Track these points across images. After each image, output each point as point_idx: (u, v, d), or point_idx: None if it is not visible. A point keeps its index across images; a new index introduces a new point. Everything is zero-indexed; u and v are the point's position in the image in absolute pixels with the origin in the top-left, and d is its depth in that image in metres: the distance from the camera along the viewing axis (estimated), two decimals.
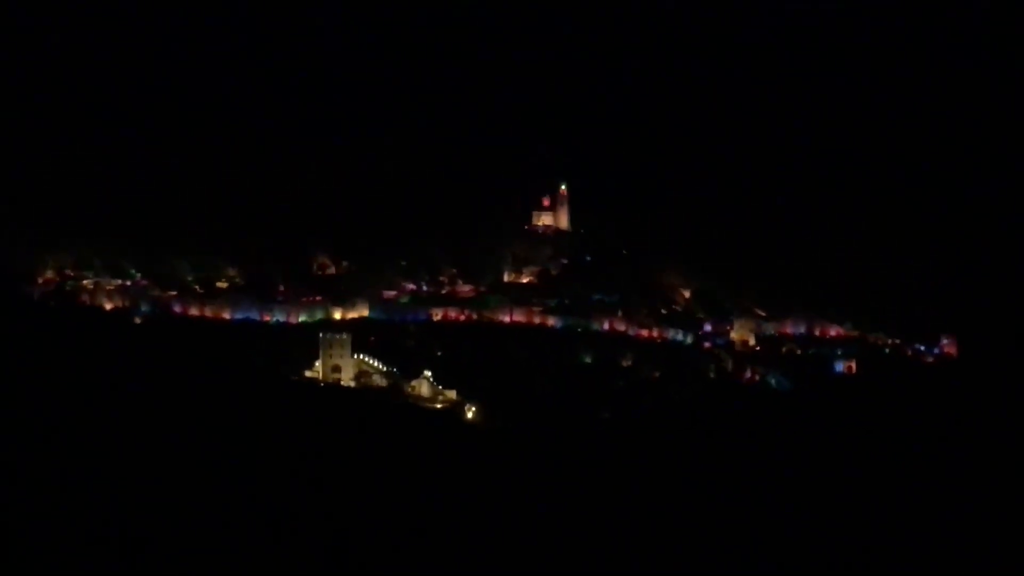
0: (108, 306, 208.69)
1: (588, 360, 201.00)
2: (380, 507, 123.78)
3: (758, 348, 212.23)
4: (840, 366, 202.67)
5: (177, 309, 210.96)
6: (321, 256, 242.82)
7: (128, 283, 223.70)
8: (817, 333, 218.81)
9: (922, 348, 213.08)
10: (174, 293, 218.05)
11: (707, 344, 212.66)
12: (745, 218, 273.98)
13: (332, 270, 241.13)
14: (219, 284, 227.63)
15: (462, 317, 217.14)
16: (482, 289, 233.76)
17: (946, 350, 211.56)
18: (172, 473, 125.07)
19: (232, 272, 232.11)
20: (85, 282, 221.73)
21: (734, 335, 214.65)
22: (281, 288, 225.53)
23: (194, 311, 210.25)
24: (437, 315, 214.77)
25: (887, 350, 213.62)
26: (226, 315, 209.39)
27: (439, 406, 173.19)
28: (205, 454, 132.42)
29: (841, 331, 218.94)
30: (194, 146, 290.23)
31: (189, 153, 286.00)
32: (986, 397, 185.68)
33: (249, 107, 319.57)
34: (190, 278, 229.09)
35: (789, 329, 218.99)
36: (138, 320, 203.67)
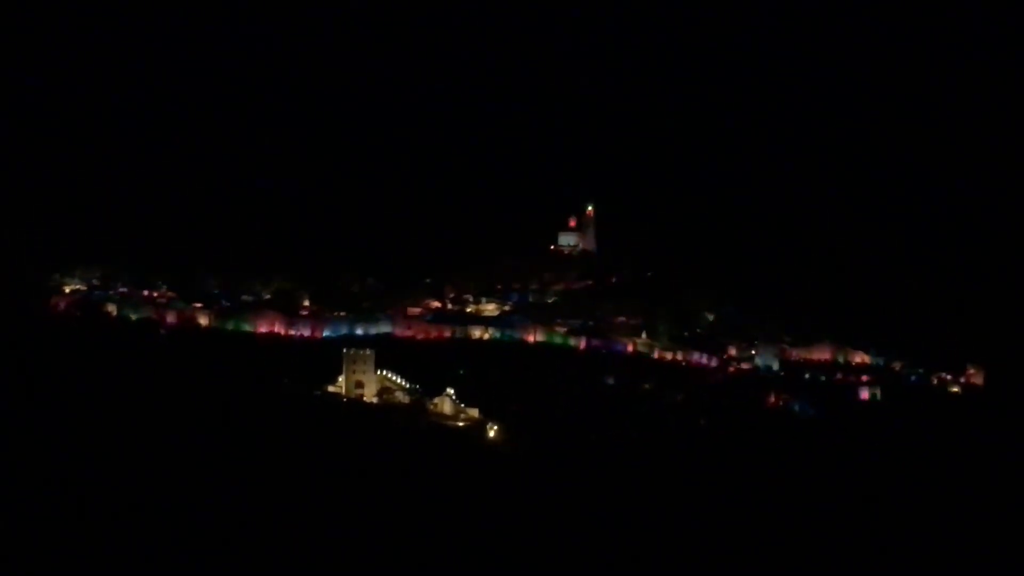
0: (134, 317, 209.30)
1: (611, 382, 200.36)
2: (398, 522, 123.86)
3: (782, 373, 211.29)
4: (864, 394, 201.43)
5: (203, 322, 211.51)
6: (346, 272, 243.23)
7: (155, 294, 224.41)
8: (841, 360, 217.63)
9: (948, 377, 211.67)
10: (199, 305, 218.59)
11: (731, 368, 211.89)
12: (771, 243, 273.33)
13: (357, 287, 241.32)
14: (244, 298, 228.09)
15: (485, 335, 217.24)
16: (506, 308, 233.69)
17: (972, 380, 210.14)
18: (193, 484, 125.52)
19: (258, 286, 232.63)
20: (111, 293, 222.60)
21: (758, 360, 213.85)
22: (306, 303, 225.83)
23: (219, 324, 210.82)
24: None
25: (912, 378, 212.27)
26: (251, 328, 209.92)
27: (461, 424, 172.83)
28: (226, 466, 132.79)
29: (866, 359, 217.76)
30: (225, 161, 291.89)
31: (220, 167, 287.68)
32: (1011, 428, 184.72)
33: (281, 125, 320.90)
34: (216, 291, 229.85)
35: (814, 355, 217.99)
36: (163, 331, 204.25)
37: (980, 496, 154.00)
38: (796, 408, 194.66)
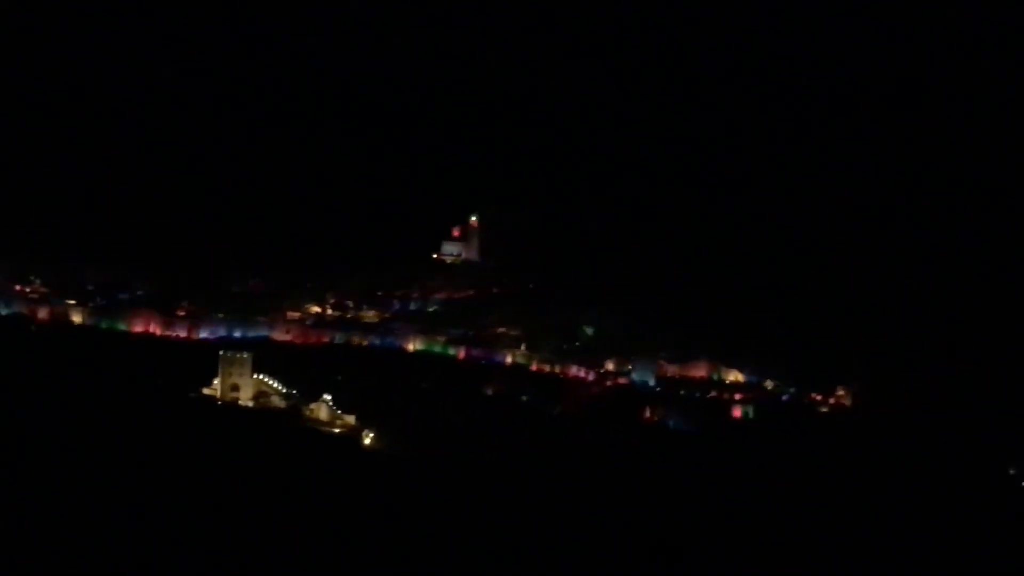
0: (4, 312, 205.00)
1: (490, 392, 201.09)
2: (268, 527, 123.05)
3: (658, 389, 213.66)
4: (737, 411, 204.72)
5: (76, 319, 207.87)
6: (226, 274, 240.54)
7: (27, 289, 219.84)
8: (717, 378, 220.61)
9: (818, 397, 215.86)
10: (72, 302, 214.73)
11: (608, 383, 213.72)
12: (652, 259, 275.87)
13: (236, 288, 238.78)
14: (120, 296, 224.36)
15: (365, 342, 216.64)
16: (386, 315, 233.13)
17: (840, 400, 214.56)
18: (57, 487, 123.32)
19: (134, 284, 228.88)
20: None
21: (635, 375, 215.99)
22: (184, 303, 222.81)
23: (93, 322, 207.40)
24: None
25: (784, 397, 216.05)
26: (125, 327, 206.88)
27: (337, 431, 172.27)
28: (92, 467, 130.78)
29: (740, 377, 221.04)
30: (102, 153, 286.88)
31: (96, 159, 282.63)
32: (876, 448, 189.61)
33: (163, 117, 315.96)
34: (91, 288, 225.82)
35: (690, 372, 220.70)
36: (34, 328, 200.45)
37: (843, 513, 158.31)
38: (670, 424, 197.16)
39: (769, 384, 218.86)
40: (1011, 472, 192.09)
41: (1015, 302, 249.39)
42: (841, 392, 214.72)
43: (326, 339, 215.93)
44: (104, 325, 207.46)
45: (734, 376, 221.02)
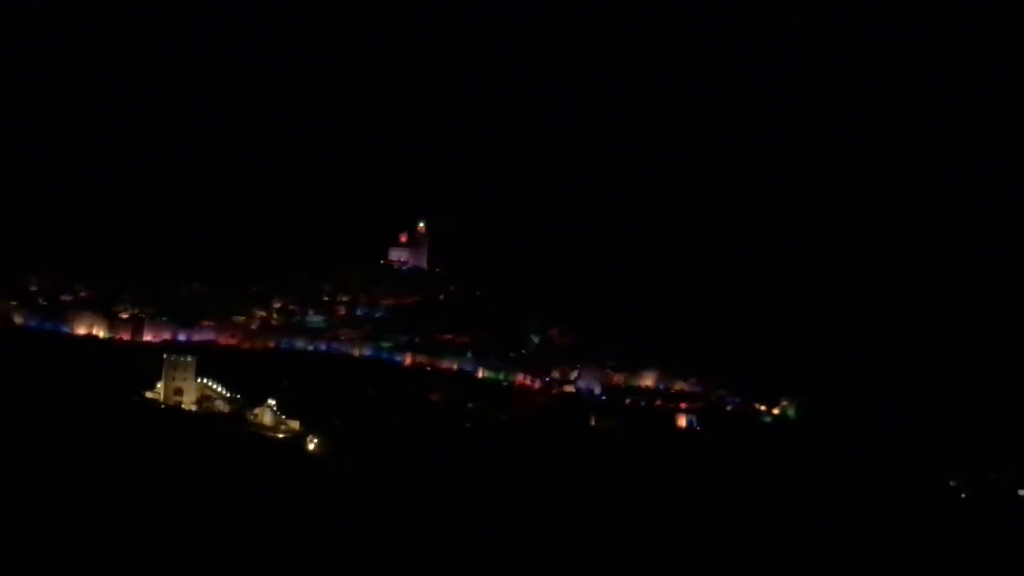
0: None
1: (435, 399, 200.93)
2: (210, 530, 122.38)
3: (604, 398, 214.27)
4: (681, 420, 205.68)
5: (18, 321, 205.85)
6: (171, 276, 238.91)
7: None
8: (663, 387, 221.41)
9: (762, 408, 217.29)
10: (14, 303, 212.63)
11: (554, 391, 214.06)
12: (600, 269, 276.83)
13: (182, 292, 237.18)
14: (63, 297, 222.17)
15: (310, 347, 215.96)
16: (333, 321, 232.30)
17: (784, 411, 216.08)
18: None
19: (79, 287, 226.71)
20: None
21: (580, 384, 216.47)
22: (128, 306, 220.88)
23: (35, 323, 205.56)
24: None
25: (729, 408, 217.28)
26: (69, 330, 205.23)
27: (281, 436, 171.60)
28: (32, 471, 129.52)
29: (685, 387, 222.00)
30: (46, 154, 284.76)
31: (39, 160, 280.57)
32: (819, 458, 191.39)
33: (105, 121, 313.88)
34: (33, 289, 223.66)
35: (637, 381, 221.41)
36: None
37: (782, 521, 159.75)
38: (615, 433, 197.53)
39: (715, 394, 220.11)
40: (951, 484, 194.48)
41: (957, 315, 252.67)
42: (785, 403, 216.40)
43: (271, 344, 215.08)
44: (47, 327, 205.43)
45: (681, 386, 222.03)
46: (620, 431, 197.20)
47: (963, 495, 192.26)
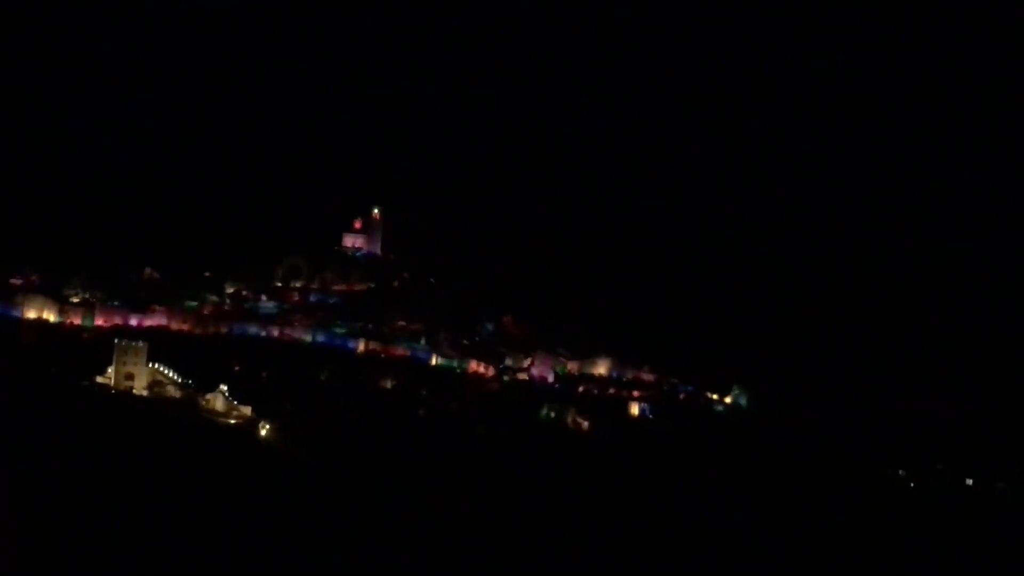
0: None
1: (388, 386, 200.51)
2: (161, 517, 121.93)
3: (557, 386, 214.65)
4: (634, 408, 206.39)
5: None
6: (123, 261, 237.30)
7: None
8: (616, 375, 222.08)
9: (714, 396, 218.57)
10: None
11: (506, 378, 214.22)
12: (555, 255, 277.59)
13: (133, 276, 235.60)
14: (13, 281, 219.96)
15: (263, 333, 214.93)
16: (285, 307, 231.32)
17: (736, 399, 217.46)
18: None
19: (29, 270, 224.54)
20: None
21: (534, 371, 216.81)
22: (79, 290, 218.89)
23: None
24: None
25: (681, 396, 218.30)
26: (18, 313, 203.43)
27: (233, 422, 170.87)
28: None
29: (640, 375, 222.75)
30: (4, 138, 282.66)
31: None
32: (769, 445, 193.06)
33: (62, 105, 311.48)
34: None
35: (591, 369, 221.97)
36: None
37: (731, 509, 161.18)
38: (568, 420, 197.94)
39: (668, 383, 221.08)
40: (900, 473, 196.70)
41: (914, 308, 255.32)
42: (737, 391, 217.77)
43: (223, 329, 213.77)
44: None
45: (635, 374, 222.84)
46: (576, 419, 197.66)
47: (911, 484, 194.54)
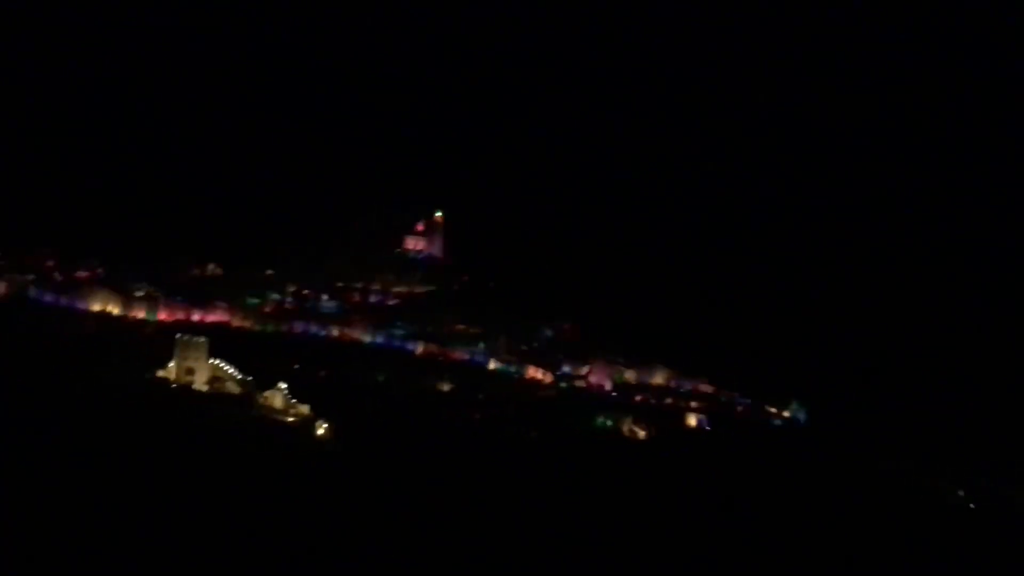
0: None
1: (446, 389, 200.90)
2: (214, 510, 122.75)
3: (614, 394, 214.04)
4: (692, 420, 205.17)
5: (33, 295, 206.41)
6: (187, 256, 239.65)
7: None
8: (674, 386, 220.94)
9: (772, 410, 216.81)
10: (31, 278, 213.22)
11: (563, 385, 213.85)
12: (616, 264, 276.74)
13: (197, 271, 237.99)
14: (79, 274, 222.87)
15: (323, 332, 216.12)
16: (346, 307, 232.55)
17: (794, 414, 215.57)
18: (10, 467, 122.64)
19: (94, 263, 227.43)
20: None
21: (591, 378, 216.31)
22: (143, 284, 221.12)
23: (51, 298, 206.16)
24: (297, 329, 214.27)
25: (739, 408, 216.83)
26: (84, 306, 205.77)
27: (291, 419, 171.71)
28: (43, 447, 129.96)
29: (698, 386, 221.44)
30: (71, 132, 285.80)
31: (64, 139, 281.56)
32: (827, 464, 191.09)
33: (132, 103, 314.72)
34: (51, 264, 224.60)
35: (648, 379, 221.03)
36: None
37: (787, 525, 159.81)
38: (625, 429, 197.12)
39: (726, 395, 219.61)
40: (960, 494, 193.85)
41: (971, 321, 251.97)
42: (795, 406, 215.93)
43: (284, 328, 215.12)
44: (63, 302, 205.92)
45: (692, 385, 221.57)
46: (633, 428, 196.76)
47: (971, 505, 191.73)
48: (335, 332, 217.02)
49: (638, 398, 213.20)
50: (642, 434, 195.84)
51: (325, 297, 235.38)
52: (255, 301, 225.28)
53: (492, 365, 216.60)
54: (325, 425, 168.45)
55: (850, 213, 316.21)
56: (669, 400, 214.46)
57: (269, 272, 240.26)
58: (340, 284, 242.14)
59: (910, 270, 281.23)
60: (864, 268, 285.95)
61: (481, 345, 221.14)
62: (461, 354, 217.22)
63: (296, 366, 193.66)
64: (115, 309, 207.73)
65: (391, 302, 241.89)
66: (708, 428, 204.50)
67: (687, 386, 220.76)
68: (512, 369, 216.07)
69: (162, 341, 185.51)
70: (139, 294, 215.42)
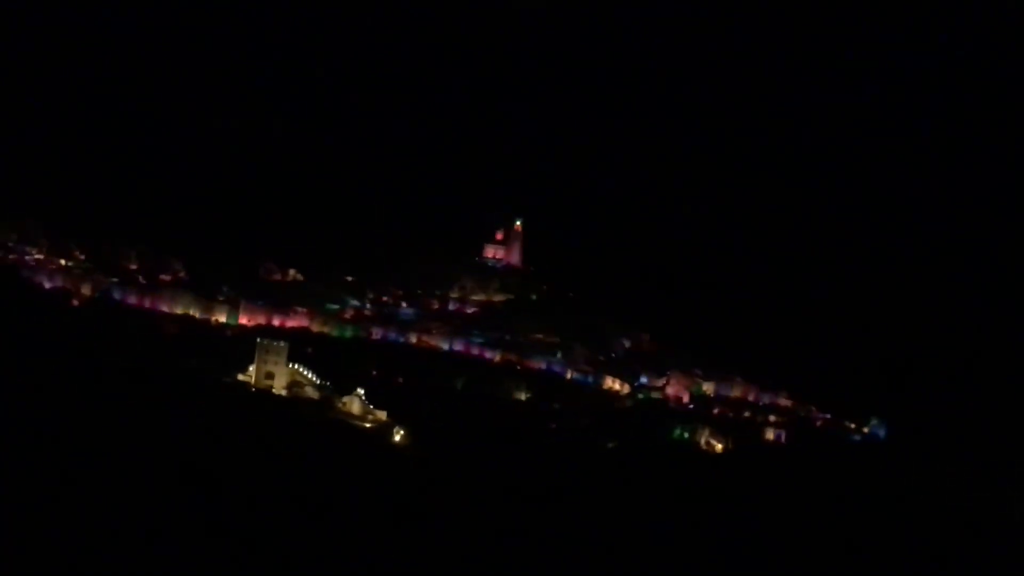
0: (47, 285, 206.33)
1: (522, 398, 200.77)
2: (291, 514, 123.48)
3: (691, 406, 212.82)
4: (770, 434, 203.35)
5: (116, 296, 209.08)
6: (269, 261, 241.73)
7: (69, 263, 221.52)
8: (751, 399, 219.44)
9: (852, 426, 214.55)
10: (115, 280, 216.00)
11: (640, 396, 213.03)
12: (695, 276, 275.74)
13: (278, 276, 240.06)
14: (163, 277, 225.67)
15: (402, 339, 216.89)
16: (425, 314, 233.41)
17: (872, 430, 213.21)
18: (89, 468, 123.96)
19: (177, 266, 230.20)
20: (28, 258, 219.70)
21: (669, 390, 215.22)
22: (224, 288, 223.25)
23: (134, 300, 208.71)
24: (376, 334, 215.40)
25: (818, 423, 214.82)
26: (166, 309, 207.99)
27: (368, 425, 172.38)
28: (125, 448, 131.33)
29: (775, 400, 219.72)
30: (155, 137, 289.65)
31: (149, 142, 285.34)
32: (905, 479, 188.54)
33: (214, 106, 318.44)
34: (134, 266, 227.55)
35: (725, 391, 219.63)
36: (76, 303, 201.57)
37: (868, 542, 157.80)
38: (702, 441, 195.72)
39: (804, 409, 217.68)
40: None
41: None
42: (875, 422, 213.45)
43: (363, 334, 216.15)
44: (146, 304, 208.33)
45: (770, 399, 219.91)
46: (711, 440, 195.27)
47: None
48: (413, 339, 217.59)
49: (716, 411, 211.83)
50: (719, 447, 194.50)
51: (404, 304, 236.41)
52: (335, 307, 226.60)
53: (569, 375, 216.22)
54: (402, 431, 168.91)
55: (932, 232, 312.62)
56: (747, 413, 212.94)
57: (349, 278, 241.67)
58: (419, 291, 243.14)
59: (990, 289, 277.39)
60: (948, 287, 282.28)
61: (558, 354, 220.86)
62: (538, 363, 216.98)
63: (374, 372, 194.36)
64: (196, 312, 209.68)
65: (469, 310, 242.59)
66: (785, 442, 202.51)
67: (765, 399, 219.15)
68: (589, 379, 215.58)
69: (243, 345, 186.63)
70: (220, 298, 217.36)
